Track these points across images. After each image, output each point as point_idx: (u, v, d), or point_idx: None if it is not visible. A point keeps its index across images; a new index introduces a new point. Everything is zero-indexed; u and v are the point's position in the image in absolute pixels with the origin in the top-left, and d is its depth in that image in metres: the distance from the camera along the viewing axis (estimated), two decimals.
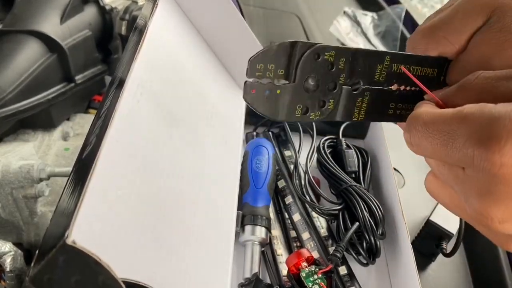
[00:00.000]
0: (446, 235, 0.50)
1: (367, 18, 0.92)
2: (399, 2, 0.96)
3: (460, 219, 0.49)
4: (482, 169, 0.21)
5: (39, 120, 0.57)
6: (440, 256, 0.52)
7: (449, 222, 0.49)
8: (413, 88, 0.29)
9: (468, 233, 0.55)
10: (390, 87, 0.29)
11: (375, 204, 0.48)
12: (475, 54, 0.27)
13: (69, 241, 0.24)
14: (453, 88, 0.25)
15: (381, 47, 0.87)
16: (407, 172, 0.62)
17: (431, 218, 0.51)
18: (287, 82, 0.27)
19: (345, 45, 0.86)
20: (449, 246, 0.50)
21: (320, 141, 0.56)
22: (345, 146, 0.57)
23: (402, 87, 0.29)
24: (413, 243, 0.53)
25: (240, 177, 0.51)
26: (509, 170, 0.20)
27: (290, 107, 0.27)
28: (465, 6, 0.27)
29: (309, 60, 0.26)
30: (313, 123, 0.58)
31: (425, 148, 0.24)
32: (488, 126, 0.20)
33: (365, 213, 0.47)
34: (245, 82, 0.27)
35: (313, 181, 0.51)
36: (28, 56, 0.53)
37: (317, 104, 0.27)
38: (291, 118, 0.27)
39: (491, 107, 0.21)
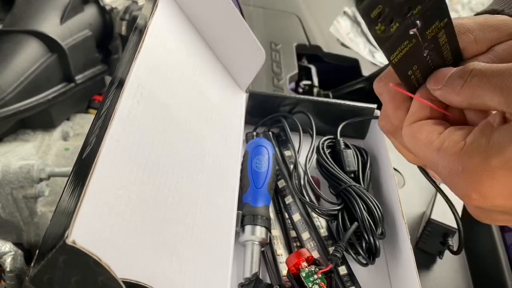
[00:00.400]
0: (450, 231, 0.50)
1: None
2: None
3: (455, 215, 0.48)
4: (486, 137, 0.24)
5: (39, 120, 0.57)
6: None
7: (450, 217, 0.49)
8: (435, 63, 0.29)
9: (468, 233, 0.55)
10: (426, 48, 0.28)
11: (375, 204, 0.48)
12: None
13: (69, 241, 0.24)
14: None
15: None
16: (407, 172, 0.62)
17: (432, 217, 0.51)
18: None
19: (346, 45, 0.87)
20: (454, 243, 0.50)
21: (320, 141, 0.56)
22: (344, 146, 0.57)
23: (429, 56, 0.29)
24: (417, 243, 0.53)
25: (240, 177, 0.51)
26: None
27: (372, 3, 0.25)
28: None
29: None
30: (313, 122, 0.58)
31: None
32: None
33: (364, 213, 0.47)
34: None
35: (313, 181, 0.51)
36: (28, 56, 0.53)
37: (389, 18, 0.26)
38: (367, 16, 0.25)
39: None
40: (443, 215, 0.51)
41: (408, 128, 0.29)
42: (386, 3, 0.25)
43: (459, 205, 0.51)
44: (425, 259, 0.53)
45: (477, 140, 0.24)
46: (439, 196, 0.53)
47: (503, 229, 0.55)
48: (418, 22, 0.26)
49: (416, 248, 0.53)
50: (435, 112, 0.28)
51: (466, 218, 0.51)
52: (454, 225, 0.49)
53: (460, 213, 0.51)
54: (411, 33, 0.27)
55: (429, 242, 0.52)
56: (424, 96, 0.28)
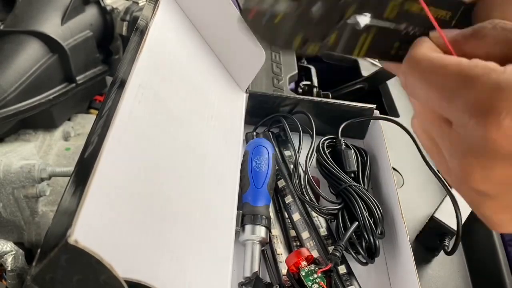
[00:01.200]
0: (449, 232, 0.50)
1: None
2: None
3: (458, 219, 0.49)
4: (474, 136, 0.21)
5: (40, 120, 0.57)
6: (440, 255, 0.53)
7: (453, 219, 0.50)
8: (422, 29, 0.27)
9: (467, 233, 0.55)
10: (398, 26, 0.27)
11: (374, 203, 0.48)
12: None
13: (71, 240, 0.24)
14: (466, 32, 0.24)
15: None
16: (407, 172, 0.63)
17: (435, 215, 0.51)
18: (291, 2, 0.24)
19: None
20: (451, 244, 0.51)
21: (320, 141, 0.56)
22: (344, 146, 0.57)
23: (410, 28, 0.27)
24: (417, 237, 0.54)
25: (240, 176, 0.51)
26: (501, 144, 0.20)
27: (291, 34, 0.25)
28: None
29: None
30: (313, 123, 0.58)
31: (418, 94, 0.24)
32: (491, 96, 0.20)
33: (364, 213, 0.47)
34: (244, 6, 0.24)
35: (313, 181, 0.51)
36: (29, 57, 0.53)
37: (318, 35, 0.25)
38: (289, 47, 0.25)
39: (499, 72, 0.20)
40: (448, 215, 0.51)
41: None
42: (304, 30, 0.24)
43: (465, 211, 0.51)
44: (424, 258, 0.53)
45: None
46: (448, 197, 0.53)
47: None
48: (366, 14, 0.25)
49: (416, 240, 0.54)
50: None
51: (469, 222, 0.51)
52: (455, 227, 0.50)
53: (464, 219, 0.51)
54: (359, 29, 0.26)
55: (428, 237, 0.53)
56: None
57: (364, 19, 0.26)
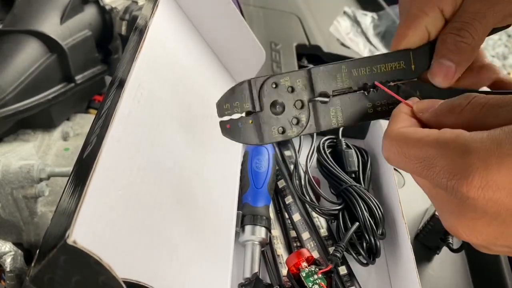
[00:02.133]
0: None
1: (367, 18, 0.92)
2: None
3: None
4: (453, 196, 0.23)
5: (39, 120, 0.57)
6: (440, 255, 0.52)
7: None
8: (389, 83, 0.30)
9: None
10: (357, 90, 0.30)
11: (375, 204, 0.48)
12: (471, 10, 0.29)
13: (70, 241, 0.24)
14: (444, 108, 0.26)
15: (381, 47, 0.87)
16: (407, 172, 0.62)
17: (437, 213, 0.51)
18: (256, 111, 0.30)
19: (346, 45, 0.87)
20: (454, 241, 0.51)
21: (320, 141, 0.56)
22: (345, 146, 0.57)
23: (370, 88, 0.30)
24: (417, 236, 0.54)
25: (240, 177, 0.51)
26: (475, 202, 0.22)
27: (267, 131, 0.30)
28: None
29: (268, 89, 0.30)
30: None
31: (403, 167, 0.26)
32: (460, 160, 0.22)
33: (365, 213, 0.47)
34: (220, 121, 0.31)
35: (313, 181, 0.51)
36: (28, 56, 0.53)
37: (291, 123, 0.31)
38: (272, 140, 0.31)
39: (467, 137, 0.22)
40: None
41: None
42: (276, 123, 0.31)
43: None
44: (424, 258, 0.53)
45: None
46: None
47: None
48: (327, 92, 0.31)
49: (415, 239, 0.54)
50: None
51: None
52: None
53: None
54: (324, 104, 0.31)
55: (429, 236, 0.53)
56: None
57: (325, 96, 0.30)
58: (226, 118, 0.31)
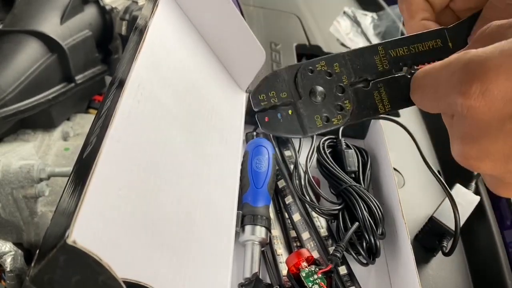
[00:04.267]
0: (448, 233, 0.50)
1: (367, 18, 0.92)
2: None
3: (456, 220, 0.49)
4: (457, 117, 0.22)
5: (39, 120, 0.57)
6: (440, 255, 0.52)
7: (452, 220, 0.50)
8: (426, 64, 0.29)
9: (468, 232, 0.55)
10: (400, 72, 0.29)
11: (375, 204, 0.48)
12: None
13: (69, 241, 0.24)
14: (470, 43, 0.25)
15: None
16: (407, 172, 0.62)
17: (434, 215, 0.51)
18: (294, 100, 0.28)
19: (346, 45, 0.87)
20: (449, 245, 0.51)
21: (320, 141, 0.56)
22: (345, 146, 0.57)
23: (409, 69, 0.29)
24: (416, 236, 0.54)
25: (240, 177, 0.51)
26: (477, 112, 0.21)
27: (310, 121, 0.28)
28: None
29: (305, 76, 0.28)
30: None
31: (425, 104, 0.25)
32: (460, 71, 0.21)
33: (365, 213, 0.47)
34: (256, 115, 0.28)
35: (313, 181, 0.51)
36: (28, 56, 0.53)
37: (334, 110, 0.28)
38: (316, 130, 0.29)
39: (473, 51, 0.21)
40: (447, 216, 0.51)
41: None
42: (319, 112, 0.29)
43: (466, 211, 0.51)
44: (424, 258, 0.53)
45: None
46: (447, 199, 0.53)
47: (502, 227, 0.56)
48: (367, 76, 0.29)
49: (415, 239, 0.54)
50: None
51: (469, 222, 0.51)
52: (453, 228, 0.50)
53: (465, 219, 0.51)
54: (366, 89, 0.29)
55: (427, 238, 0.53)
56: None
57: (364, 82, 0.29)
58: (261, 110, 0.29)
